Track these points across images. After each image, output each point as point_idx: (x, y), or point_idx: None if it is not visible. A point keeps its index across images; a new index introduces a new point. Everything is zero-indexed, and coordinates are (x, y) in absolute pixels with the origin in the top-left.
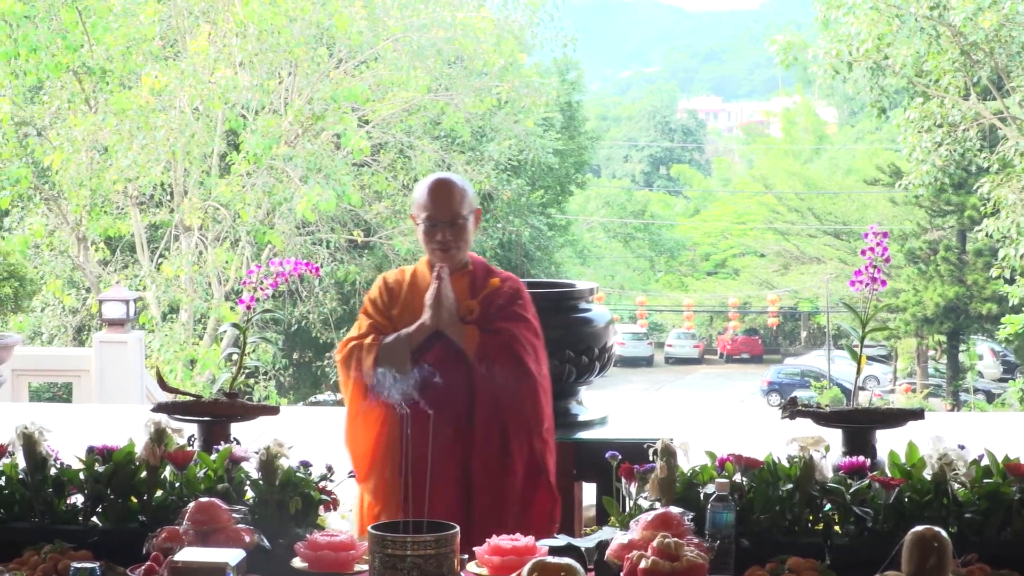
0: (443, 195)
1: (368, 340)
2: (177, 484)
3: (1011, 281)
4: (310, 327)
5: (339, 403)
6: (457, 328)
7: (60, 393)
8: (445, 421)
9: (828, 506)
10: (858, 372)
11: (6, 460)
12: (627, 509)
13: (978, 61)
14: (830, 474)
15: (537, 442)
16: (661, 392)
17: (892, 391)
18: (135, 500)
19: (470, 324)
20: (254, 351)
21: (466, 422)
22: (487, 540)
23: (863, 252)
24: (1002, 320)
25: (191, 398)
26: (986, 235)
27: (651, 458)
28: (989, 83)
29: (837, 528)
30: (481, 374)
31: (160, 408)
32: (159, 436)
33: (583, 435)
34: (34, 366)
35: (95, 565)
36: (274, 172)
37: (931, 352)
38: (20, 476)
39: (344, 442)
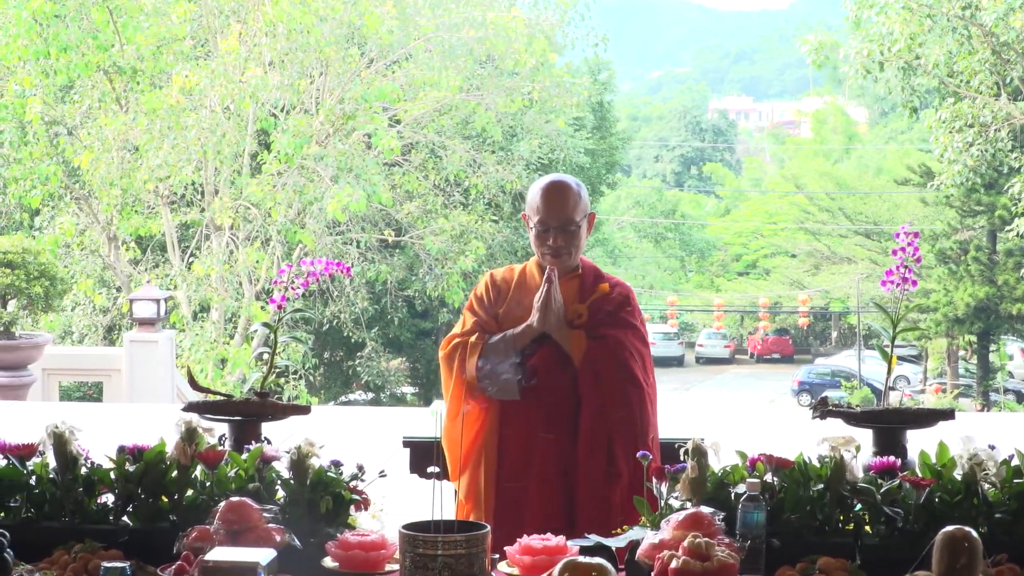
0: (556, 199)
1: (473, 339)
2: (208, 483)
3: None
4: (341, 327)
5: (370, 403)
6: (564, 332)
7: (91, 392)
8: (548, 426)
9: (859, 506)
10: (889, 372)
11: (37, 459)
12: (658, 509)
13: (1009, 61)
14: (861, 474)
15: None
16: (692, 392)
17: (922, 391)
18: (166, 499)
19: (577, 329)
20: (284, 350)
21: (570, 428)
22: (518, 540)
23: (894, 252)
24: None
25: (222, 397)
26: (1017, 235)
27: (682, 458)
28: (1021, 83)
29: (868, 528)
30: (587, 380)
31: (191, 407)
32: (190, 435)
33: None
34: (65, 365)
35: (125, 564)
36: (305, 172)
37: (961, 352)
38: (51, 475)
39: (441, 438)
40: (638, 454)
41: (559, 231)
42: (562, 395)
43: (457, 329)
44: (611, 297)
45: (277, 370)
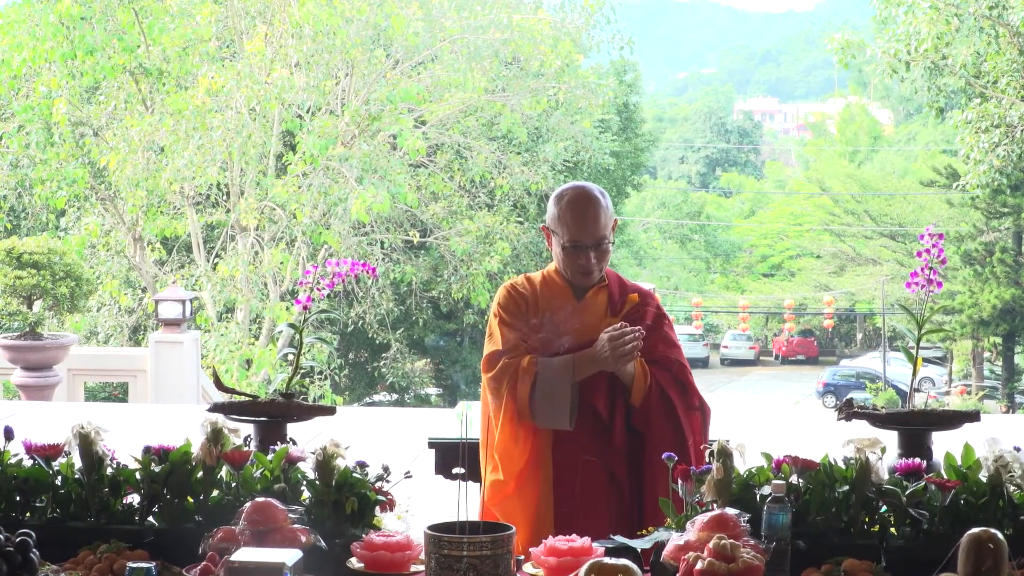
0: (589, 217)
1: (525, 363)
2: (233, 484)
3: None
4: (366, 327)
5: (394, 404)
6: (628, 369)
7: (116, 393)
8: (591, 448)
9: (884, 508)
10: (914, 374)
11: (62, 459)
12: (683, 510)
13: None
14: (886, 476)
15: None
16: (716, 393)
17: (947, 393)
18: (191, 500)
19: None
20: (309, 351)
21: (613, 450)
22: (543, 541)
23: (919, 254)
24: None
25: (247, 398)
26: None
27: (707, 459)
28: None
29: (893, 530)
30: (656, 408)
31: (216, 408)
32: (215, 436)
33: None
34: (90, 366)
35: (151, 565)
36: (330, 173)
37: (986, 354)
38: (76, 476)
39: (485, 448)
40: (663, 456)
41: (594, 249)
42: (604, 416)
43: (497, 344)
44: (646, 311)
45: (302, 371)
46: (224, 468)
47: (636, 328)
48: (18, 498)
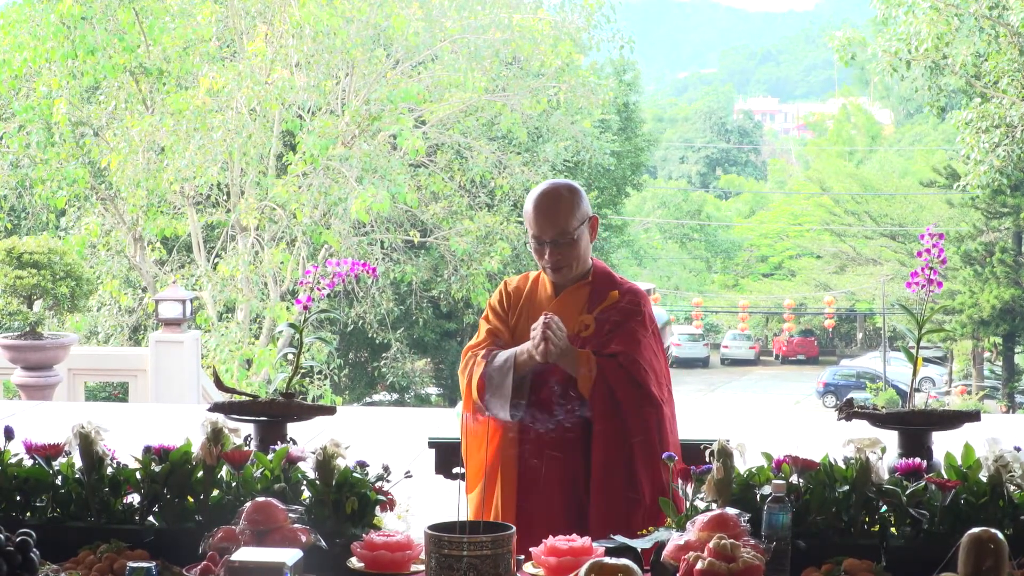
0: (548, 211)
1: (481, 355)
2: (234, 484)
3: None
4: (366, 327)
5: (395, 403)
6: (569, 358)
7: (116, 392)
8: (554, 444)
9: (884, 508)
10: (914, 374)
11: (63, 459)
12: (684, 510)
13: None
14: (886, 476)
15: (665, 472)
16: (717, 393)
17: (947, 393)
18: (191, 500)
19: (585, 344)
20: (308, 351)
21: (577, 447)
22: (543, 540)
23: (919, 254)
24: None
25: (247, 398)
26: None
27: (708, 459)
28: None
29: (893, 530)
30: (601, 404)
31: (216, 408)
32: (216, 436)
33: None
34: (90, 365)
35: (151, 565)
36: (330, 172)
37: (987, 354)
38: (77, 475)
39: (463, 449)
40: (663, 456)
41: (554, 244)
42: (567, 412)
43: (473, 339)
44: (620, 306)
45: (302, 371)
46: (224, 468)
47: (547, 316)
48: (18, 498)
